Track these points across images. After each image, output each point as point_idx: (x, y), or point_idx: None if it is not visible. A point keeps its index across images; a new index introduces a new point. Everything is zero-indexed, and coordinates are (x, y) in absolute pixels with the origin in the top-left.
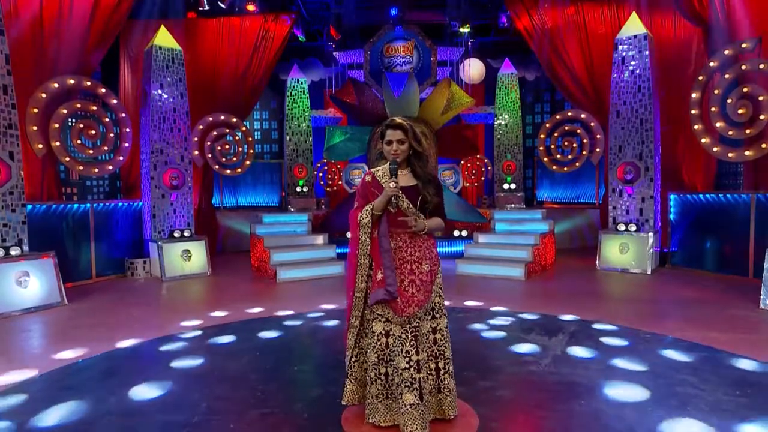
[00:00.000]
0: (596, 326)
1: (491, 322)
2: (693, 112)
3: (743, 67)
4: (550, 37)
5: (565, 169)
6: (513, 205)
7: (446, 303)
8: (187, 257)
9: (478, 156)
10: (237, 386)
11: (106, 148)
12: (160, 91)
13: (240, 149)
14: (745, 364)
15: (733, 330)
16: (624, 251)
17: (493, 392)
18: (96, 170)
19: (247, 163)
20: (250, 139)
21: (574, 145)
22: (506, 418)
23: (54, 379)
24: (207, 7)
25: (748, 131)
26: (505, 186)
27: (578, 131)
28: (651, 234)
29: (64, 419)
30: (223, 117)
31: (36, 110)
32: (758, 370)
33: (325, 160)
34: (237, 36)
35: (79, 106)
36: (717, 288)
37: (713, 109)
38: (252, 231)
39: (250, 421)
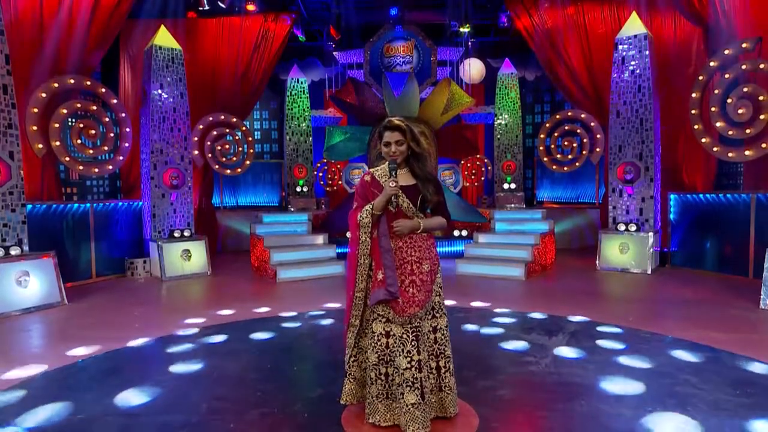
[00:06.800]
0: (596, 326)
1: (491, 321)
2: (693, 112)
3: (743, 67)
4: (550, 37)
5: (565, 168)
6: (513, 205)
7: (446, 303)
8: (187, 257)
9: (478, 156)
10: (237, 386)
11: (106, 147)
12: (160, 91)
13: (240, 149)
14: (745, 364)
15: (733, 330)
16: (624, 251)
17: (493, 392)
18: (96, 170)
19: (247, 162)
20: (250, 139)
21: (574, 145)
22: (506, 417)
23: (54, 378)
24: (207, 7)
25: (748, 131)
26: (505, 186)
27: (578, 131)
28: (651, 234)
29: (63, 419)
30: (223, 117)
31: (36, 110)
32: (758, 370)
33: (325, 160)
34: (237, 36)
35: (79, 105)
36: (717, 288)
37: (713, 109)
38: (252, 231)
39: (250, 421)
